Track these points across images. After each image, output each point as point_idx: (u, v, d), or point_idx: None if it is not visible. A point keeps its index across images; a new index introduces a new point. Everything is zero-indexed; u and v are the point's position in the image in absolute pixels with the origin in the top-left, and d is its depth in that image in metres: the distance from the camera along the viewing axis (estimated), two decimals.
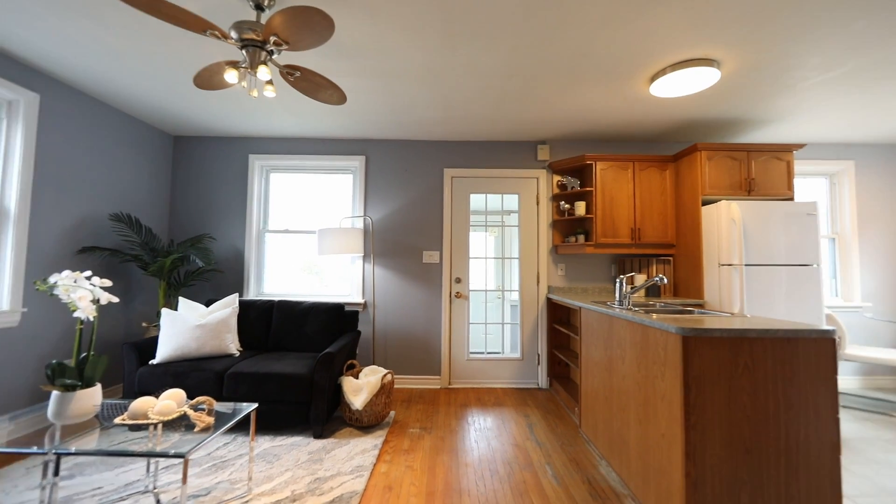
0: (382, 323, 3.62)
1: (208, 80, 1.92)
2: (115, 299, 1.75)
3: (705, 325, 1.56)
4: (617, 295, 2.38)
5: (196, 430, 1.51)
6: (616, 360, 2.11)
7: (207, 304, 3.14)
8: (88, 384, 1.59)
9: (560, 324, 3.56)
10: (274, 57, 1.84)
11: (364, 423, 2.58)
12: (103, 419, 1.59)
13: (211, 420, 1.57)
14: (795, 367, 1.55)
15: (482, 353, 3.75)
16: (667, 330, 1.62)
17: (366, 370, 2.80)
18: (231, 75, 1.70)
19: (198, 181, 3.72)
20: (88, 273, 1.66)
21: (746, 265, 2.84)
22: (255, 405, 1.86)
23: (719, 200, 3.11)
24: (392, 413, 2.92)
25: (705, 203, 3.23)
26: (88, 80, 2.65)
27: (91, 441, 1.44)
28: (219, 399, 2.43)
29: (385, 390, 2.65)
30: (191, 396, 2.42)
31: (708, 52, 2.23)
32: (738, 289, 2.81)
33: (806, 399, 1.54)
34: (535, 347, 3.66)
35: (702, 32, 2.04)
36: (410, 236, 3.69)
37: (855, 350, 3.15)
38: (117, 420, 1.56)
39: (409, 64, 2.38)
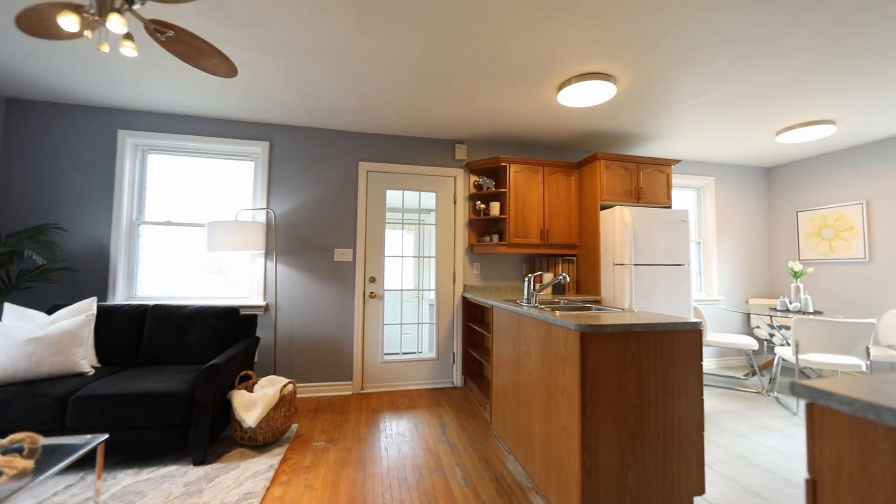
0: (287, 327, 3.30)
1: (39, 24, 1.50)
2: None
3: (600, 321, 1.66)
4: (525, 293, 2.46)
5: (2, 479, 1.15)
6: (524, 357, 2.16)
7: (51, 312, 2.52)
8: None
9: (475, 322, 3.61)
10: (136, 7, 1.50)
11: (259, 441, 2.29)
12: None
13: (28, 464, 1.21)
14: (672, 356, 1.72)
15: (398, 354, 3.64)
16: (567, 327, 1.68)
17: (263, 381, 2.50)
18: (68, 21, 1.33)
19: (43, 158, 2.97)
20: None
21: (635, 265, 3.16)
22: (105, 436, 1.50)
23: (614, 206, 3.42)
24: (294, 426, 2.66)
25: (603, 208, 3.54)
26: None
27: None
28: (61, 431, 1.95)
29: (285, 402, 2.39)
30: (18, 430, 1.90)
31: (606, 68, 2.40)
32: (628, 286, 3.12)
33: (680, 384, 1.73)
34: (451, 346, 3.67)
35: (601, 48, 2.19)
36: (321, 232, 3.42)
37: (713, 336, 3.72)
38: None
39: (316, 43, 2.16)
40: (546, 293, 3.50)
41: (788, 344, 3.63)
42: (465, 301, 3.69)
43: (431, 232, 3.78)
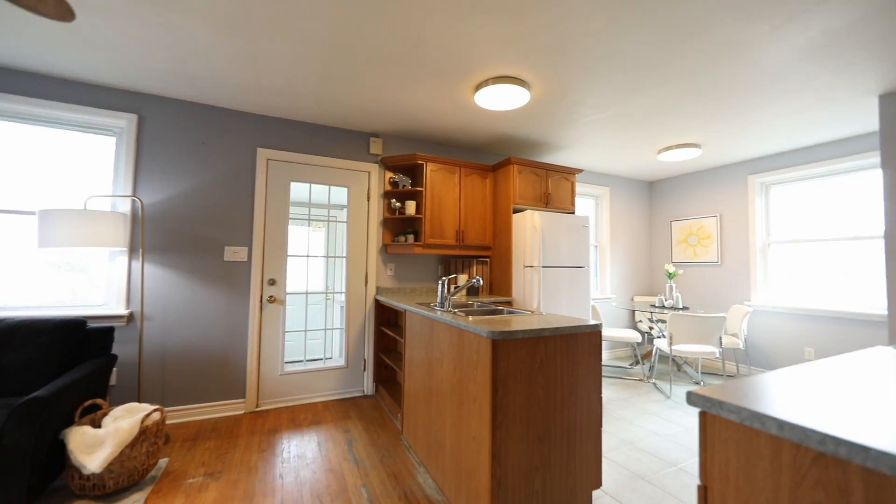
0: (159, 341, 2.74)
1: None
2: None
3: (512, 327, 1.63)
4: (439, 296, 2.37)
5: None
6: (436, 364, 2.07)
7: None
8: None
9: (388, 326, 3.44)
10: None
11: (109, 489, 1.82)
12: None
13: None
14: (576, 357, 1.78)
15: (301, 362, 3.29)
16: (479, 334, 1.62)
17: (117, 411, 2.01)
18: None
19: None
20: None
21: (544, 267, 3.31)
22: None
23: (526, 210, 3.55)
24: (163, 461, 2.20)
25: (516, 211, 3.66)
26: None
27: None
28: None
29: (149, 434, 1.95)
30: None
31: (522, 73, 2.44)
32: (537, 287, 3.25)
33: (582, 384, 1.79)
34: (362, 352, 3.44)
35: (517, 52, 2.20)
36: (208, 228, 2.92)
37: (606, 332, 4.11)
38: None
39: None
40: (461, 295, 3.48)
41: (664, 336, 4.18)
42: (377, 304, 3.49)
43: (343, 230, 3.51)
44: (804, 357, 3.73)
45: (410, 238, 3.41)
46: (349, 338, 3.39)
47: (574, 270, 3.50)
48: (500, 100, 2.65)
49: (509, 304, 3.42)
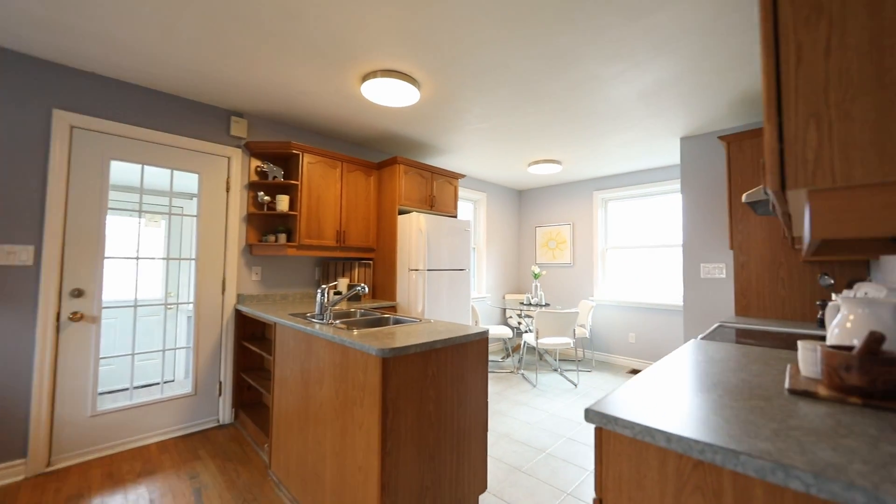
0: None
1: None
2: None
3: (403, 340, 1.52)
4: (318, 307, 2.10)
5: None
6: (314, 385, 1.81)
7: None
8: None
9: (252, 340, 2.95)
10: None
11: None
12: None
13: None
14: (465, 365, 1.77)
15: (125, 392, 2.55)
16: (367, 351, 1.46)
17: None
18: None
19: None
20: None
21: (429, 270, 3.29)
22: None
23: (411, 212, 3.48)
24: None
25: (401, 213, 3.56)
26: None
27: None
28: None
29: None
30: None
31: (412, 71, 2.34)
32: (421, 291, 3.21)
33: (471, 392, 1.79)
34: (217, 374, 2.86)
35: (409, 47, 2.09)
36: None
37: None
38: None
39: None
40: (341, 304, 3.21)
41: (530, 331, 4.66)
42: (239, 315, 2.95)
43: (191, 225, 2.85)
44: (629, 341, 4.62)
45: (282, 237, 2.98)
46: (199, 357, 2.78)
47: (455, 273, 3.59)
48: (388, 95, 2.50)
49: (394, 309, 3.30)
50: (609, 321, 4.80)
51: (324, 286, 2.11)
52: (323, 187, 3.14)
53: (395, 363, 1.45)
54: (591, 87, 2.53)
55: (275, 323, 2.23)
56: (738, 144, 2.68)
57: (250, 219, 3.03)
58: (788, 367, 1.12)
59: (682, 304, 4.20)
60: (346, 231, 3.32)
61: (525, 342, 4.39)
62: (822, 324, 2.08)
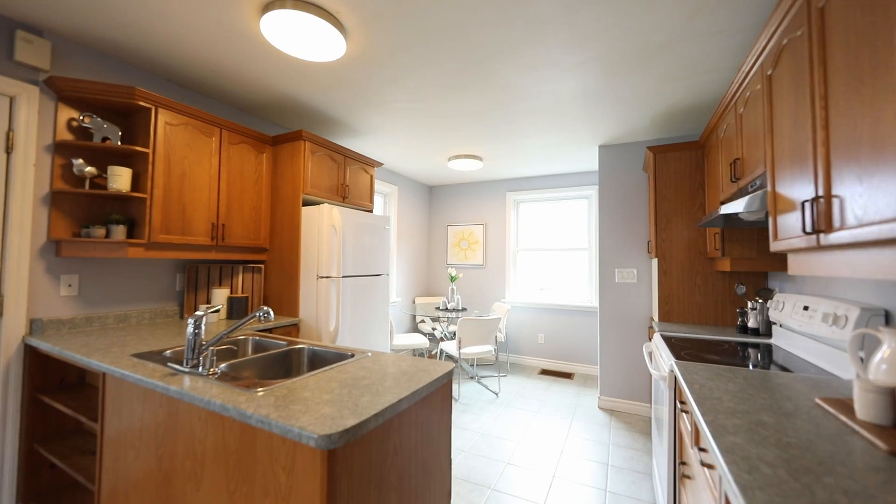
0: None
1: None
2: None
3: (353, 406, 0.95)
4: (188, 347, 1.32)
5: None
6: (187, 483, 1.09)
7: None
8: None
9: (58, 392, 1.89)
10: None
11: None
12: None
13: None
14: (431, 422, 1.28)
15: None
16: (301, 441, 0.86)
17: None
18: None
19: None
20: None
21: (344, 277, 2.65)
22: None
23: (322, 203, 2.77)
24: None
25: (306, 204, 2.81)
26: None
27: None
28: None
29: None
30: None
31: (340, 9, 1.71)
32: (334, 304, 2.56)
33: (437, 442, 1.32)
34: None
35: None
36: None
37: (398, 340, 3.87)
38: None
39: None
40: (219, 324, 2.31)
41: (447, 337, 4.34)
42: (32, 353, 1.85)
43: None
44: (538, 341, 4.70)
45: (119, 230, 1.98)
46: None
47: (374, 279, 3.01)
48: (301, 39, 1.81)
49: (296, 328, 2.56)
50: (520, 322, 4.81)
51: (200, 312, 1.34)
52: (192, 161, 2.22)
53: (348, 453, 0.89)
54: (539, 78, 2.27)
55: (103, 373, 1.36)
56: (663, 156, 2.77)
57: (57, 199, 1.93)
58: (822, 403, 0.96)
59: (587, 305, 4.42)
60: (227, 224, 2.43)
61: (442, 350, 4.05)
62: (743, 329, 2.22)
